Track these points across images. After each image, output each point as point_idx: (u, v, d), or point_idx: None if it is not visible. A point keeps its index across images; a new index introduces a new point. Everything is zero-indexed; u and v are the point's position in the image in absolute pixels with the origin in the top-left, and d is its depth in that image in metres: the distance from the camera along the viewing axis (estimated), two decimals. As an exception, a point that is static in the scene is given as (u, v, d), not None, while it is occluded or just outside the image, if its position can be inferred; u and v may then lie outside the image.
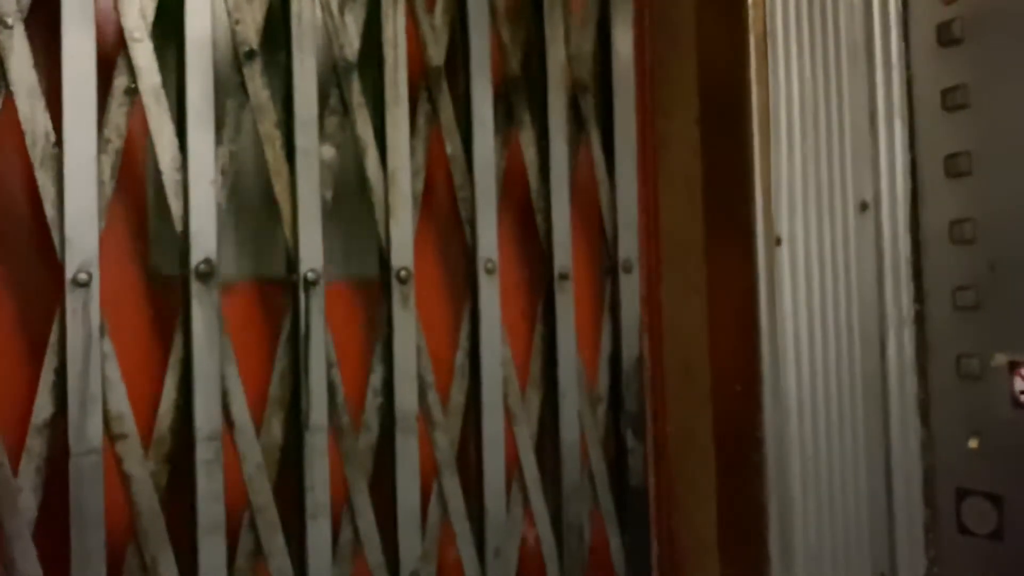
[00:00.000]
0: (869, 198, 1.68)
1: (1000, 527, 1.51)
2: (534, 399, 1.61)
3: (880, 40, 1.69)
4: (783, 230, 1.61)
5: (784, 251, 1.61)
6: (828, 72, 1.67)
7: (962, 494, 1.58)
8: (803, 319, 1.62)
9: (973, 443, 1.56)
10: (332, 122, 1.43)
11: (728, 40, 1.66)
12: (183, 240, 1.28)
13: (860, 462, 1.65)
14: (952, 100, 1.60)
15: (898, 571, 1.65)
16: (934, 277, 1.64)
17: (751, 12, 1.64)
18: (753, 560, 1.60)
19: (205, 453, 1.26)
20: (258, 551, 1.32)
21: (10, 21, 1.17)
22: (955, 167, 1.59)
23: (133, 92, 1.26)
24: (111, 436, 1.21)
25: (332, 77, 1.43)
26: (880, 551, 1.65)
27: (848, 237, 1.67)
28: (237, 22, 1.34)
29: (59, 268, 1.19)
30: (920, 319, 1.66)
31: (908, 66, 1.68)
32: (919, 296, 1.66)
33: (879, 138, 1.68)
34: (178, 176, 1.28)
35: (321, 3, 1.41)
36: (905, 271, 1.66)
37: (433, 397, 1.49)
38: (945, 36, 1.60)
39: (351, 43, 1.44)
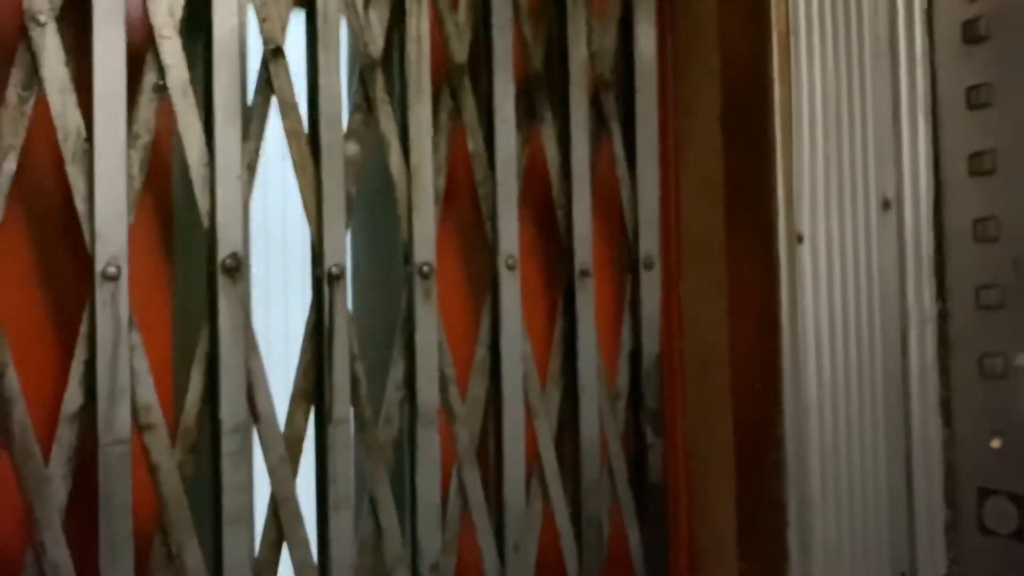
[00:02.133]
0: (892, 196, 1.68)
1: (1022, 527, 1.50)
2: (554, 395, 1.62)
3: (904, 37, 1.68)
4: (805, 227, 1.61)
5: (806, 249, 1.61)
6: (851, 69, 1.66)
7: (984, 494, 1.57)
8: (824, 317, 1.62)
9: (995, 443, 1.55)
10: (356, 119, 1.44)
11: (750, 37, 1.66)
12: (210, 235, 1.30)
13: (880, 461, 1.65)
14: (976, 98, 1.59)
15: (918, 570, 1.64)
16: (957, 275, 1.63)
17: (774, 8, 1.63)
18: (772, 557, 1.61)
19: (230, 444, 1.28)
20: (281, 542, 1.34)
21: (42, 19, 1.19)
22: (979, 165, 1.58)
23: (162, 88, 1.28)
24: (139, 427, 1.23)
25: (356, 74, 1.44)
26: (900, 550, 1.65)
27: (870, 235, 1.66)
28: (264, 19, 1.36)
29: (89, 261, 1.21)
30: (942, 317, 1.65)
31: (932, 63, 1.67)
32: (941, 294, 1.65)
33: (902, 135, 1.67)
34: (205, 171, 1.30)
35: (346, 1, 1.42)
36: (928, 269, 1.65)
37: (454, 391, 1.50)
38: (970, 34, 1.60)
39: (375, 40, 1.45)
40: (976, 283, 1.59)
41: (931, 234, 1.66)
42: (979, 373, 1.58)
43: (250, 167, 1.34)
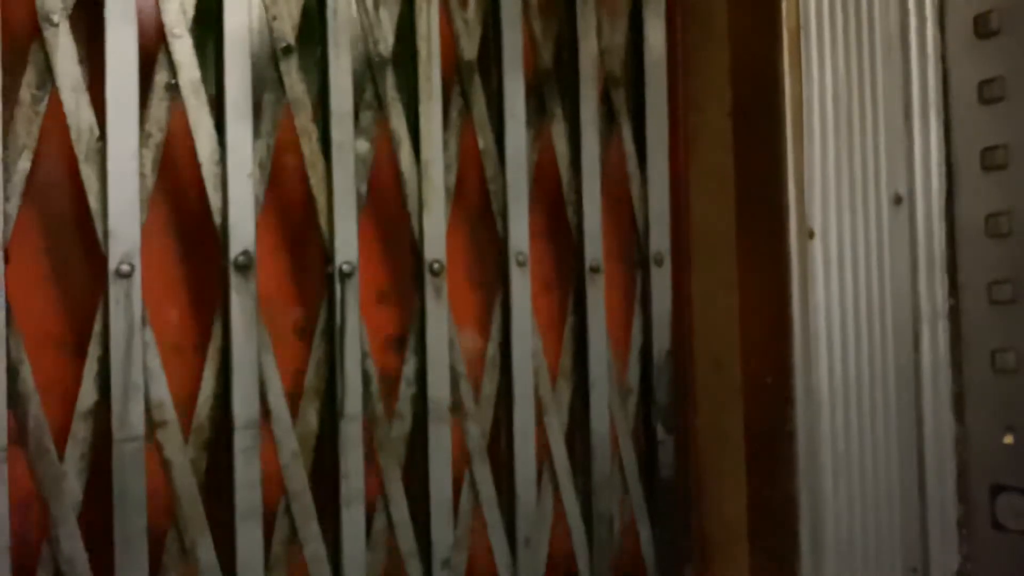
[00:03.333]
0: (903, 191, 1.67)
1: (1035, 523, 1.50)
2: (565, 391, 1.62)
3: (916, 32, 1.67)
4: (816, 223, 1.61)
5: (817, 244, 1.60)
6: (862, 64, 1.65)
7: (996, 490, 1.57)
8: (835, 313, 1.61)
9: (1008, 438, 1.55)
10: (367, 116, 1.45)
11: (761, 32, 1.66)
12: (222, 232, 1.30)
13: (893, 457, 1.65)
14: (989, 92, 1.58)
15: (930, 567, 1.64)
16: (969, 271, 1.62)
17: (784, 3, 1.63)
18: (783, 553, 1.60)
19: (242, 441, 1.29)
20: (294, 537, 1.35)
21: (55, 19, 1.20)
22: (991, 160, 1.57)
23: (173, 87, 1.29)
24: (152, 423, 1.24)
25: (367, 72, 1.45)
26: (912, 546, 1.64)
27: (882, 230, 1.66)
28: (274, 18, 1.36)
29: (103, 259, 1.22)
30: (954, 313, 1.64)
31: (944, 58, 1.66)
32: (953, 290, 1.64)
33: (914, 131, 1.66)
34: (217, 169, 1.31)
35: (356, -2, 1.43)
36: (939, 265, 1.65)
37: (465, 387, 1.50)
38: (982, 28, 1.59)
39: (386, 38, 1.46)
40: (988, 278, 1.58)
41: (943, 230, 1.65)
42: (991, 368, 1.58)
43: (261, 165, 1.35)
